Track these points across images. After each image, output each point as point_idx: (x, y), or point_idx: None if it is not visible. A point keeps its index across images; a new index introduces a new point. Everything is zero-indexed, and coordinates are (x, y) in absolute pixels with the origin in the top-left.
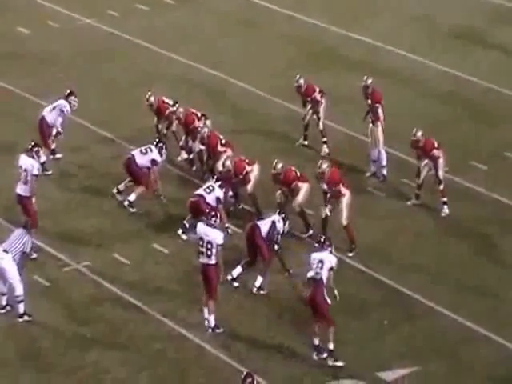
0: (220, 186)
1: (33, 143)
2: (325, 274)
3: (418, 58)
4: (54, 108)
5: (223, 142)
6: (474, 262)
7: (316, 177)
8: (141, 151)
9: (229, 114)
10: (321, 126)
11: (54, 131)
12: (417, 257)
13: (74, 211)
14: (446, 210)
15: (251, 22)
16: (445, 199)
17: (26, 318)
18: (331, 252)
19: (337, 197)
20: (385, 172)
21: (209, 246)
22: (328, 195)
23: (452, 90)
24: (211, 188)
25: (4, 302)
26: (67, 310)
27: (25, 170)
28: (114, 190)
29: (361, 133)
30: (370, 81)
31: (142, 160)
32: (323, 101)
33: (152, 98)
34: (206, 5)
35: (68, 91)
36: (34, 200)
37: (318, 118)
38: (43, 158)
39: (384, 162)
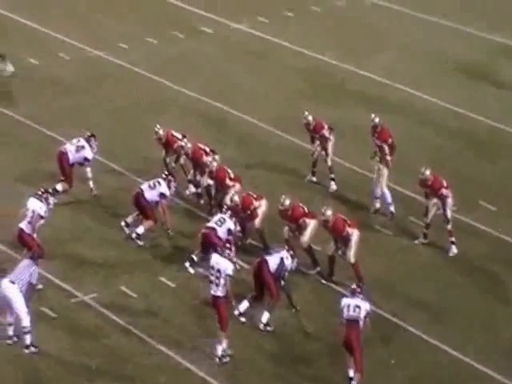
0: (231, 217)
1: (43, 189)
2: (361, 319)
3: (424, 93)
4: (77, 150)
5: (231, 176)
6: (480, 299)
7: (320, 224)
8: (149, 185)
9: (236, 146)
10: (329, 163)
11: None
12: (422, 293)
13: (82, 242)
14: (454, 249)
15: (260, 56)
16: (453, 239)
17: (32, 349)
18: (363, 299)
19: (343, 242)
20: (392, 209)
21: (218, 275)
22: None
23: (459, 126)
24: (222, 220)
25: (11, 333)
26: (73, 340)
27: (32, 211)
28: (122, 223)
29: (366, 168)
30: (377, 119)
31: (150, 194)
32: (331, 137)
33: (161, 132)
34: (215, 37)
35: (89, 134)
36: (35, 235)
37: (327, 155)
38: (52, 204)
39: (389, 200)
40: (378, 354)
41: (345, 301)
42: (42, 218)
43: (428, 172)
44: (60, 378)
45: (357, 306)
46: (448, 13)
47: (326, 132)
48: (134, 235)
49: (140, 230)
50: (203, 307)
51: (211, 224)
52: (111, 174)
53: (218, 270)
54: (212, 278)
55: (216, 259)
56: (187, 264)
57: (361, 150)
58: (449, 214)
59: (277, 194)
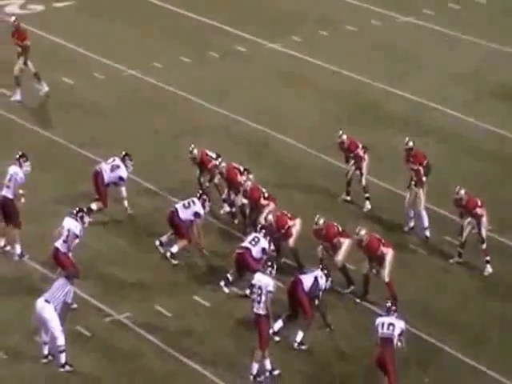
0: (265, 236)
1: (78, 209)
2: (396, 337)
3: (462, 115)
4: (112, 170)
5: (266, 195)
6: None
7: (355, 243)
8: (184, 205)
9: (270, 167)
10: (363, 182)
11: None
12: (459, 315)
13: (116, 262)
14: (489, 269)
15: (294, 76)
16: (488, 258)
17: (67, 368)
18: (397, 317)
19: (378, 261)
20: (428, 233)
21: (259, 292)
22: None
23: (497, 148)
24: (256, 240)
25: (46, 352)
26: (108, 360)
27: (68, 230)
28: (157, 242)
29: (402, 189)
30: (411, 143)
31: (185, 214)
32: (366, 157)
33: (195, 151)
34: (249, 57)
35: (124, 153)
36: (70, 254)
37: (361, 174)
38: (87, 224)
39: (426, 224)
40: (414, 375)
41: (379, 319)
42: (77, 237)
43: (463, 191)
44: None
45: (391, 324)
46: (485, 33)
47: (360, 151)
48: (168, 254)
49: (174, 249)
50: (238, 327)
51: (245, 244)
52: (146, 194)
53: (260, 287)
54: (254, 295)
55: (258, 277)
56: (222, 283)
57: (396, 171)
58: (484, 233)
59: (311, 214)
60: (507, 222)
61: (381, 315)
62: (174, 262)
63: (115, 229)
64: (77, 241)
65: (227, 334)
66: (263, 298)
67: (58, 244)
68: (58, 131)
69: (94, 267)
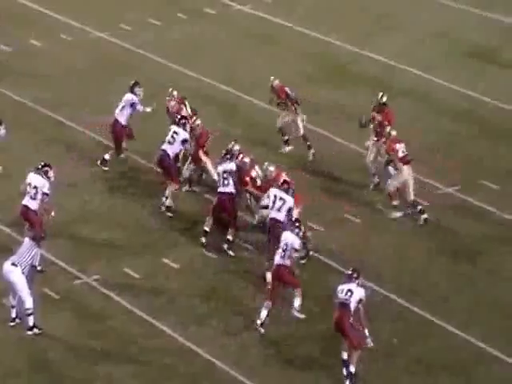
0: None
1: (43, 163)
2: (353, 304)
3: (432, 76)
4: (123, 107)
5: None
6: (486, 280)
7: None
8: (169, 142)
9: (241, 128)
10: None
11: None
12: (428, 275)
13: (86, 224)
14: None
15: (263, 38)
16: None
17: (35, 330)
18: (359, 284)
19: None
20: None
21: (285, 248)
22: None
23: (467, 108)
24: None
25: (14, 315)
26: (77, 323)
27: (35, 188)
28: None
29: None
30: (385, 98)
31: (173, 149)
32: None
33: (172, 103)
34: (219, 19)
35: (132, 82)
36: (39, 213)
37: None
38: (52, 178)
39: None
40: (383, 336)
41: (340, 286)
42: (47, 195)
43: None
44: (64, 360)
45: (349, 290)
46: None
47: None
48: (163, 208)
49: (169, 202)
50: (207, 288)
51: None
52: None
53: (286, 244)
54: (280, 250)
55: (286, 235)
56: (225, 246)
57: (365, 131)
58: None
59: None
60: (475, 182)
61: (343, 282)
62: (170, 214)
63: (86, 189)
64: (47, 199)
65: (196, 295)
66: (289, 253)
67: (26, 201)
68: (25, 93)
69: (64, 228)
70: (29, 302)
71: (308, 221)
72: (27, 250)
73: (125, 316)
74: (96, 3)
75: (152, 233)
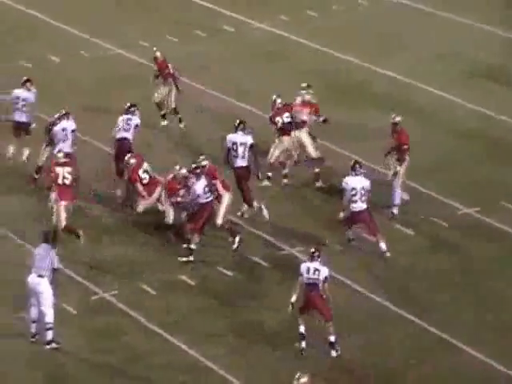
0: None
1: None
2: (321, 282)
3: (443, 94)
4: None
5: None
6: (495, 300)
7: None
8: (124, 129)
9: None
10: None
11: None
12: (438, 293)
13: (103, 239)
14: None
15: (280, 55)
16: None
17: (53, 345)
18: (321, 263)
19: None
20: (395, 211)
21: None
22: None
23: (478, 127)
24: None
25: (34, 330)
26: (93, 337)
27: (23, 100)
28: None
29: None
30: (398, 118)
31: (131, 134)
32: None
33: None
34: (236, 37)
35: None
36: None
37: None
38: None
39: (397, 201)
40: (396, 352)
41: (304, 264)
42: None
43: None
44: (80, 376)
45: (316, 270)
46: (469, 12)
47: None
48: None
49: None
50: (223, 305)
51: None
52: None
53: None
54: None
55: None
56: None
57: (380, 150)
58: None
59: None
60: (495, 203)
61: (305, 261)
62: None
63: (102, 206)
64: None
65: (211, 312)
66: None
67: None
68: (42, 108)
69: (81, 244)
70: (50, 316)
71: (327, 240)
72: (44, 256)
73: (140, 332)
74: (115, 20)
75: (166, 248)
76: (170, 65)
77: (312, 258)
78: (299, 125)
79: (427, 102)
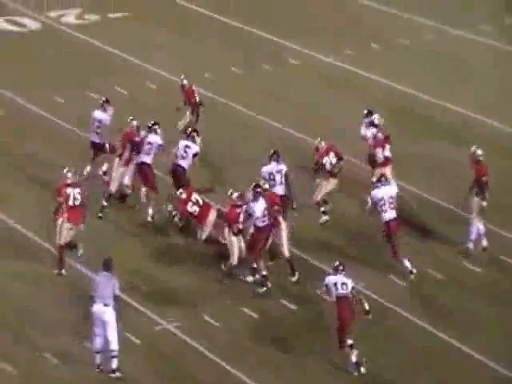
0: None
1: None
2: (350, 295)
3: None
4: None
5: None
6: None
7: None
8: (182, 156)
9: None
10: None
11: None
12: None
13: (166, 269)
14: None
15: (345, 88)
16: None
17: (118, 374)
18: (345, 276)
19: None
20: (471, 246)
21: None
22: None
23: None
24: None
25: (99, 361)
26: (157, 368)
27: (98, 121)
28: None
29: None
30: (479, 151)
31: (186, 162)
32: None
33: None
34: (302, 70)
35: (152, 122)
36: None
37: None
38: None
39: (472, 236)
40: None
41: (331, 279)
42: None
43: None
44: None
45: (344, 284)
46: None
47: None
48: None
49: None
50: (285, 338)
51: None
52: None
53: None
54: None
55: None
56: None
57: (453, 185)
58: None
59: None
60: None
61: (329, 274)
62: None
63: (160, 235)
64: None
65: (274, 344)
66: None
67: (94, 138)
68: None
69: (144, 274)
70: (115, 344)
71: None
72: (106, 284)
73: (203, 363)
74: (180, 51)
75: (231, 280)
76: (195, 92)
77: (336, 272)
78: (385, 162)
79: (493, 135)
